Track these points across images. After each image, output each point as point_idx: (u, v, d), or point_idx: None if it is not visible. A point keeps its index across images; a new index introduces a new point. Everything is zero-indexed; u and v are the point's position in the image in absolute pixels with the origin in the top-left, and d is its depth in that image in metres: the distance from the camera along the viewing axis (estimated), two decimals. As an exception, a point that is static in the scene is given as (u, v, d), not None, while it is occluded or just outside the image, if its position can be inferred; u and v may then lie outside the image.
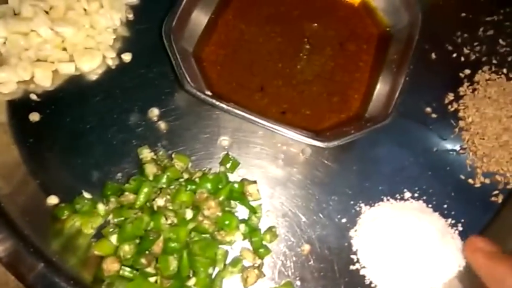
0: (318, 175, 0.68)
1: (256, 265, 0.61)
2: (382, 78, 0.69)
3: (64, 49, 0.71)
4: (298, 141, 0.63)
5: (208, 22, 0.72)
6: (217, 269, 0.60)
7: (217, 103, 0.61)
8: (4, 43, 0.69)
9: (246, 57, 0.71)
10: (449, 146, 0.71)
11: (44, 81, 0.69)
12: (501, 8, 0.81)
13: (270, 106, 0.69)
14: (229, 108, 0.61)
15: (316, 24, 0.74)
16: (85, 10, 0.72)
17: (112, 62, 0.72)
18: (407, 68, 0.66)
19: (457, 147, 0.71)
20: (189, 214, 0.59)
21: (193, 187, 0.62)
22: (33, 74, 0.69)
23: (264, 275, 0.61)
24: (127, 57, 0.72)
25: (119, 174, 0.65)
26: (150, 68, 0.71)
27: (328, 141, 0.62)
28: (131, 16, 0.75)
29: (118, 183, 0.64)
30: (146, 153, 0.65)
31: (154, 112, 0.69)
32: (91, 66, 0.70)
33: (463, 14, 0.80)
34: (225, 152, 0.67)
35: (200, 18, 0.71)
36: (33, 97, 0.68)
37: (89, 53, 0.70)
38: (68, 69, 0.70)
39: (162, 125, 0.68)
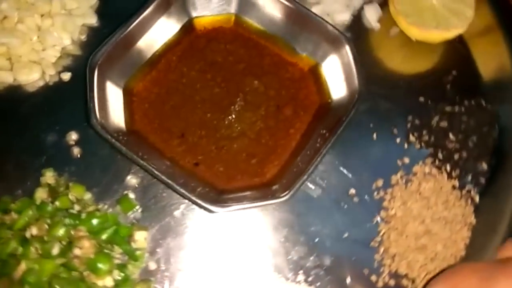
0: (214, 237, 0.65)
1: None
2: (304, 151, 0.65)
3: (9, 58, 0.71)
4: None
5: (151, 58, 0.70)
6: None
7: (116, 144, 0.59)
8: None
9: (178, 101, 0.69)
10: (362, 235, 0.66)
11: (-20, 84, 0.70)
12: (466, 99, 0.75)
13: (186, 154, 0.66)
14: (126, 152, 0.59)
15: (257, 82, 0.70)
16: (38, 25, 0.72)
17: (49, 79, 0.71)
18: (327, 145, 0.62)
19: (370, 238, 0.66)
20: (55, 249, 0.57)
21: (76, 222, 0.60)
22: (-29, 76, 0.70)
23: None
24: (65, 76, 0.71)
25: (19, 191, 0.64)
26: (83, 92, 0.70)
27: (222, 206, 0.59)
28: (84, 37, 0.75)
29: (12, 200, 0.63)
30: (48, 176, 0.64)
31: (72, 136, 0.68)
32: (28, 79, 0.70)
33: (421, 99, 0.75)
34: (126, 192, 0.65)
35: (142, 53, 0.69)
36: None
37: (29, 67, 0.70)
38: (5, 78, 0.70)
39: (76, 150, 0.67)
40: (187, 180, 0.62)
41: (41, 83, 0.71)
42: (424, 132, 0.72)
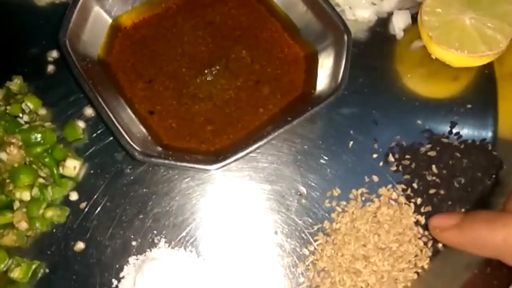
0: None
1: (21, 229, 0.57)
2: (262, 132, 0.59)
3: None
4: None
5: (152, 0, 0.68)
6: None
7: (71, 63, 0.57)
8: None
9: (160, 47, 0.65)
10: (295, 238, 0.59)
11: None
12: (471, 138, 0.65)
13: (145, 100, 0.62)
14: (77, 75, 0.57)
15: (245, 52, 0.65)
16: None
17: (55, -4, 0.72)
18: (279, 130, 0.56)
19: (303, 244, 0.59)
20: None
21: (15, 130, 0.59)
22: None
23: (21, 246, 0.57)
24: None
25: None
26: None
27: (149, 156, 0.55)
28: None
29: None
30: (14, 82, 0.64)
31: (53, 54, 0.67)
32: (36, -9, 0.71)
33: (419, 121, 0.66)
34: (72, 121, 0.63)
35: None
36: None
37: None
38: (17, -16, 0.72)
39: (50, 67, 0.67)
40: (131, 123, 0.59)
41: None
42: (407, 156, 0.63)
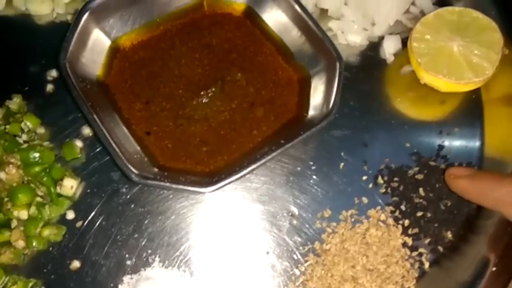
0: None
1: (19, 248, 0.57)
2: (255, 154, 0.60)
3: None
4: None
5: (151, 22, 0.68)
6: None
7: (70, 84, 0.58)
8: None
9: (157, 69, 0.66)
10: (286, 258, 0.60)
11: None
12: (458, 161, 0.66)
13: (142, 121, 0.63)
14: (77, 96, 0.58)
15: (240, 75, 0.66)
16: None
17: (56, 16, 0.72)
18: (272, 154, 0.57)
19: (294, 265, 0.59)
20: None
21: (14, 149, 0.59)
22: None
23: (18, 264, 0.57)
24: (70, 17, 0.72)
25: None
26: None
27: (145, 178, 0.55)
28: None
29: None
30: (14, 100, 0.64)
31: (52, 73, 0.68)
32: (37, 11, 0.71)
33: (407, 145, 0.67)
34: (70, 140, 0.64)
35: (144, 15, 0.67)
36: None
37: (42, 0, 0.72)
38: (19, 4, 0.72)
39: (50, 87, 0.67)
40: (127, 144, 0.59)
41: (48, 18, 0.72)
42: (396, 178, 0.64)
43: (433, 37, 0.68)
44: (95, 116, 0.57)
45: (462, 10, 0.69)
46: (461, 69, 0.66)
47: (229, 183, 0.55)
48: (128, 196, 0.62)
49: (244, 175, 0.56)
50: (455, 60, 0.66)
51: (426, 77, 0.68)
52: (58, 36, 0.68)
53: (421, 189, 0.63)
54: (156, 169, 0.59)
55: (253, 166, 0.56)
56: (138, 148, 0.60)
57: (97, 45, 0.65)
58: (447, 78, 0.66)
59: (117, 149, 0.56)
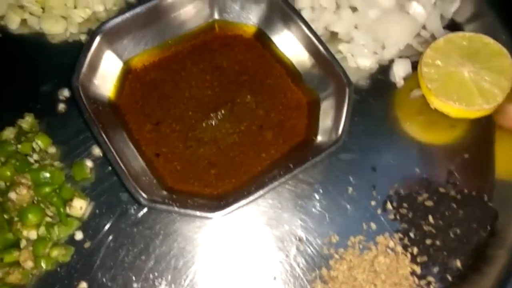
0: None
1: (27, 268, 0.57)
2: (264, 178, 0.60)
3: (43, 7, 0.74)
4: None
5: (163, 44, 0.69)
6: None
7: (81, 106, 0.58)
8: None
9: (168, 90, 0.67)
10: (291, 284, 0.59)
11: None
12: (467, 188, 0.65)
13: (151, 142, 0.63)
14: (88, 118, 0.58)
15: (250, 97, 0.66)
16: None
17: (69, 36, 0.73)
18: (281, 180, 0.57)
19: (299, 292, 0.59)
20: (-4, 186, 0.57)
21: (25, 169, 0.60)
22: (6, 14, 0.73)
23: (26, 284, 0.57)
24: (83, 37, 0.73)
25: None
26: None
27: (153, 202, 0.56)
28: (116, 8, 0.75)
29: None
30: (26, 119, 0.65)
31: (64, 92, 0.69)
32: (51, 30, 0.73)
33: (417, 170, 0.66)
34: (80, 160, 0.64)
35: (156, 37, 0.68)
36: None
37: (56, 19, 0.72)
38: (33, 23, 0.73)
39: (62, 106, 0.68)
40: (137, 166, 0.59)
41: (61, 38, 0.73)
42: (405, 204, 0.64)
43: (443, 62, 0.68)
44: (105, 139, 0.58)
45: (473, 35, 0.68)
46: (471, 95, 0.65)
47: (237, 208, 0.55)
48: (136, 218, 0.62)
49: (252, 200, 0.56)
50: (466, 86, 0.66)
51: (436, 103, 0.67)
52: (71, 56, 0.69)
53: (430, 217, 0.62)
54: (164, 192, 0.59)
55: (261, 192, 0.56)
56: (147, 170, 0.61)
57: (109, 67, 0.65)
58: (458, 104, 0.65)
59: (126, 172, 0.56)
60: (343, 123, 0.60)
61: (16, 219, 0.58)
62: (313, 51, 0.66)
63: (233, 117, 0.66)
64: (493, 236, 0.63)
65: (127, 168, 0.57)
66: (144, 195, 0.55)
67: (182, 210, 0.55)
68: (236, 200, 0.56)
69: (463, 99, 0.65)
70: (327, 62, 0.65)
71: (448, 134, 0.70)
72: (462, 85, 0.66)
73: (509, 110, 0.62)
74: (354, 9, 0.72)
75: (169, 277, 0.59)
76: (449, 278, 0.60)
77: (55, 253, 0.58)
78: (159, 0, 0.66)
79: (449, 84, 0.66)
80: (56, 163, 0.63)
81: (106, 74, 0.65)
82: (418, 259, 0.61)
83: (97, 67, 0.64)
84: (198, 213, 0.55)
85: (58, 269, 0.59)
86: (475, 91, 0.66)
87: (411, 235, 0.62)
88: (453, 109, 0.66)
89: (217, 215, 0.55)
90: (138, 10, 0.65)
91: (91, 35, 0.63)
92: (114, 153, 0.57)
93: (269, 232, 0.62)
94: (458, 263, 0.61)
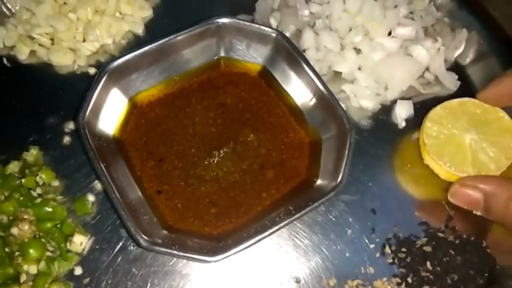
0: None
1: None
2: (264, 220, 0.60)
3: (52, 39, 0.75)
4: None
5: (169, 81, 0.69)
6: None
7: (85, 143, 0.59)
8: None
9: (172, 126, 0.67)
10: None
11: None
12: (466, 233, 0.65)
13: (154, 179, 0.64)
14: (91, 154, 0.58)
15: (252, 136, 0.67)
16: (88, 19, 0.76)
17: (77, 68, 0.74)
18: (281, 225, 0.57)
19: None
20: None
21: (28, 203, 0.60)
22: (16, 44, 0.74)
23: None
24: (91, 70, 0.74)
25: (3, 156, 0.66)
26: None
27: (153, 244, 0.55)
28: (124, 42, 0.76)
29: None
30: (31, 152, 0.65)
31: (69, 125, 0.69)
32: (59, 62, 0.73)
33: (417, 214, 0.66)
34: (82, 195, 0.64)
35: (162, 74, 0.69)
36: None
37: (64, 52, 0.73)
38: (42, 54, 0.74)
39: (66, 139, 0.68)
40: (138, 205, 0.60)
41: (69, 69, 0.74)
42: (404, 249, 0.64)
43: (449, 123, 0.67)
44: (108, 179, 0.58)
45: (489, 107, 0.67)
46: (464, 162, 0.65)
47: (236, 253, 0.55)
48: (135, 255, 0.62)
49: (251, 244, 0.56)
50: (462, 152, 0.65)
51: (428, 159, 0.67)
52: (78, 88, 0.70)
53: (428, 262, 0.62)
54: (164, 231, 0.59)
55: (260, 236, 0.56)
56: (148, 208, 0.61)
57: (115, 103, 0.66)
58: (447, 167, 0.65)
59: (127, 215, 0.56)
60: (344, 168, 0.60)
61: (17, 253, 0.58)
62: (316, 93, 0.67)
63: (235, 156, 0.66)
64: (490, 283, 0.62)
65: (128, 210, 0.57)
66: (144, 236, 0.55)
67: (181, 253, 0.55)
68: (235, 243, 0.56)
69: (454, 163, 0.65)
70: (330, 105, 0.65)
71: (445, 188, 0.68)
72: (459, 150, 0.65)
73: (459, 191, 0.64)
74: (358, 51, 0.73)
75: (166, 317, 0.59)
76: (446, 325, 0.60)
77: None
78: (168, 38, 0.66)
79: (445, 145, 0.66)
80: (59, 197, 0.63)
81: (112, 111, 0.65)
82: (415, 306, 0.61)
83: (103, 104, 0.64)
84: (196, 256, 0.55)
85: (57, 305, 0.59)
86: (469, 160, 0.65)
87: (409, 280, 0.62)
88: (443, 169, 0.65)
89: (215, 259, 0.55)
90: (147, 48, 0.66)
91: (99, 72, 0.63)
92: (117, 193, 0.57)
93: (267, 273, 0.62)
94: (455, 311, 0.61)
